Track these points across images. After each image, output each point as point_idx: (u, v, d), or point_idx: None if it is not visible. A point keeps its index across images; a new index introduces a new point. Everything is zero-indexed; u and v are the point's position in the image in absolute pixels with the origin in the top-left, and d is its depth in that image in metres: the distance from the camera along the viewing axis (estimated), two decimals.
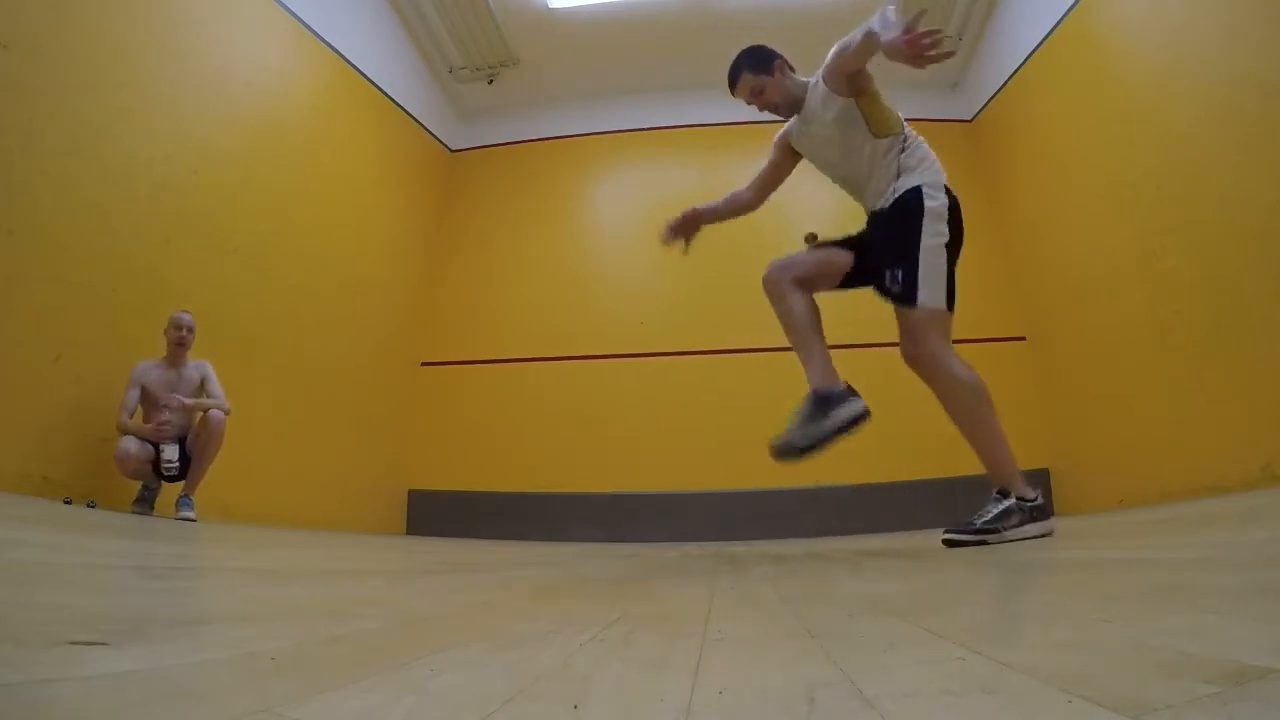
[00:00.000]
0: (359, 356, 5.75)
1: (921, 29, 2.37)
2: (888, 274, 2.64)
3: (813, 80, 2.86)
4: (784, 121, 3.04)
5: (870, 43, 2.49)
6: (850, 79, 2.68)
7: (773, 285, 2.78)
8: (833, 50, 2.69)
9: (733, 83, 2.94)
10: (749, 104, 2.97)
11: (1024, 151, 5.84)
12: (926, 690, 0.58)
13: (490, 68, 6.88)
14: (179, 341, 3.97)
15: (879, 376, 5.98)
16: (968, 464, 5.60)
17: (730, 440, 5.63)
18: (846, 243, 2.86)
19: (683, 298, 6.17)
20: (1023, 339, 5.86)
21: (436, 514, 6.05)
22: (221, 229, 4.49)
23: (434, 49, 6.67)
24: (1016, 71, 5.76)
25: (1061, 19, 5.08)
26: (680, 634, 0.93)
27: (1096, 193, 4.83)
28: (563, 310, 6.49)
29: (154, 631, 0.84)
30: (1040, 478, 5.49)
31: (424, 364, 6.54)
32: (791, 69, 2.95)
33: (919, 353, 2.71)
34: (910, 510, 5.42)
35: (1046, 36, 5.28)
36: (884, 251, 2.69)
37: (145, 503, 3.73)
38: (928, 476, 5.57)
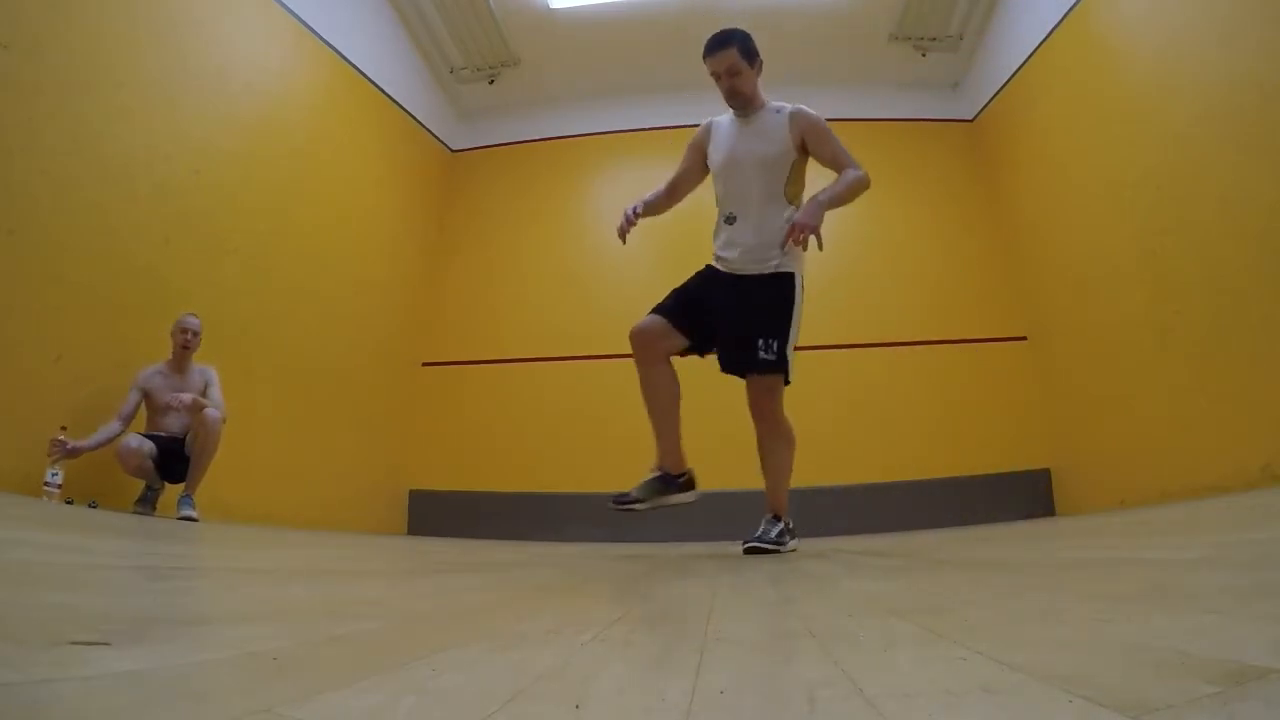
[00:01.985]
0: (360, 356, 5.75)
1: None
2: (760, 342, 2.89)
3: (779, 105, 3.07)
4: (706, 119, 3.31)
5: (862, 185, 3.04)
6: (812, 152, 3.06)
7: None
8: (827, 134, 3.07)
9: (718, 46, 3.01)
10: (715, 74, 3.05)
11: (1024, 151, 5.83)
12: (927, 689, 0.58)
13: (491, 68, 6.88)
14: (184, 345, 3.98)
15: (880, 377, 6.01)
16: (967, 464, 5.63)
17: (731, 440, 5.62)
18: (681, 307, 3.09)
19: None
20: (1023, 339, 5.86)
21: (437, 514, 6.05)
22: (222, 229, 4.49)
23: (434, 49, 6.67)
24: (1017, 72, 5.76)
25: (1062, 19, 5.08)
26: (681, 634, 0.94)
27: (1097, 193, 4.83)
28: (564, 310, 6.49)
29: (155, 631, 0.84)
30: (1041, 478, 5.50)
31: (425, 364, 6.54)
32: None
33: (770, 408, 3.02)
34: (911, 510, 5.42)
35: (1047, 37, 5.28)
36: (754, 320, 2.93)
37: (147, 503, 3.73)
38: (928, 476, 5.57)
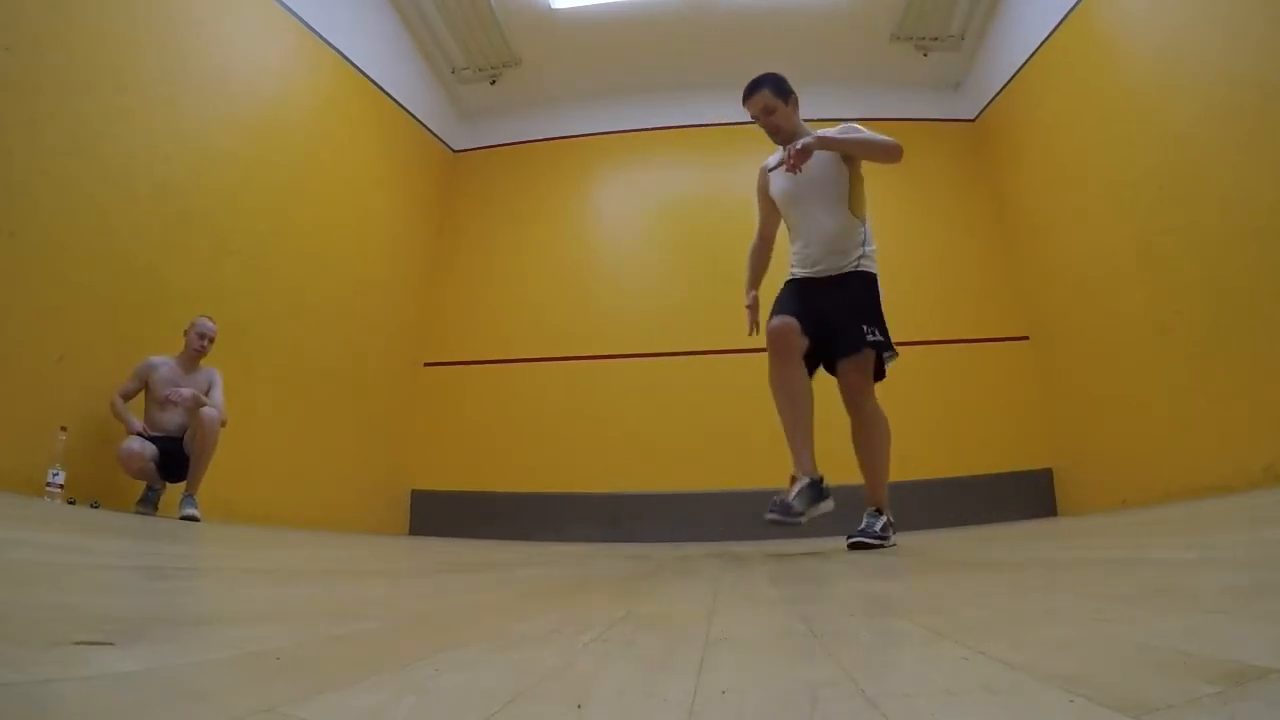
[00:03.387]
0: (361, 356, 5.76)
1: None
2: (865, 326, 3.03)
3: (820, 132, 3.09)
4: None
5: (881, 146, 3.00)
6: (852, 157, 3.11)
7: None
8: (854, 128, 3.10)
9: (752, 91, 3.20)
10: (754, 117, 3.23)
11: (1026, 151, 5.83)
12: (928, 689, 0.58)
13: (492, 68, 6.88)
14: (199, 350, 4.01)
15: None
16: (969, 464, 5.62)
17: (733, 440, 5.64)
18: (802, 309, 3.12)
19: (685, 298, 6.17)
20: (1025, 339, 5.85)
21: (439, 514, 6.05)
22: (223, 229, 4.49)
23: (436, 49, 6.67)
24: (1018, 71, 5.76)
25: (1063, 19, 5.08)
26: (683, 634, 0.94)
27: (1098, 192, 4.83)
28: (565, 310, 6.49)
29: (158, 631, 0.84)
30: (1042, 478, 5.49)
31: (426, 364, 6.54)
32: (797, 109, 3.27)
33: (866, 391, 3.10)
34: (912, 510, 5.41)
35: (1048, 36, 5.28)
36: (855, 308, 3.07)
37: (149, 503, 3.73)
38: (929, 477, 5.57)
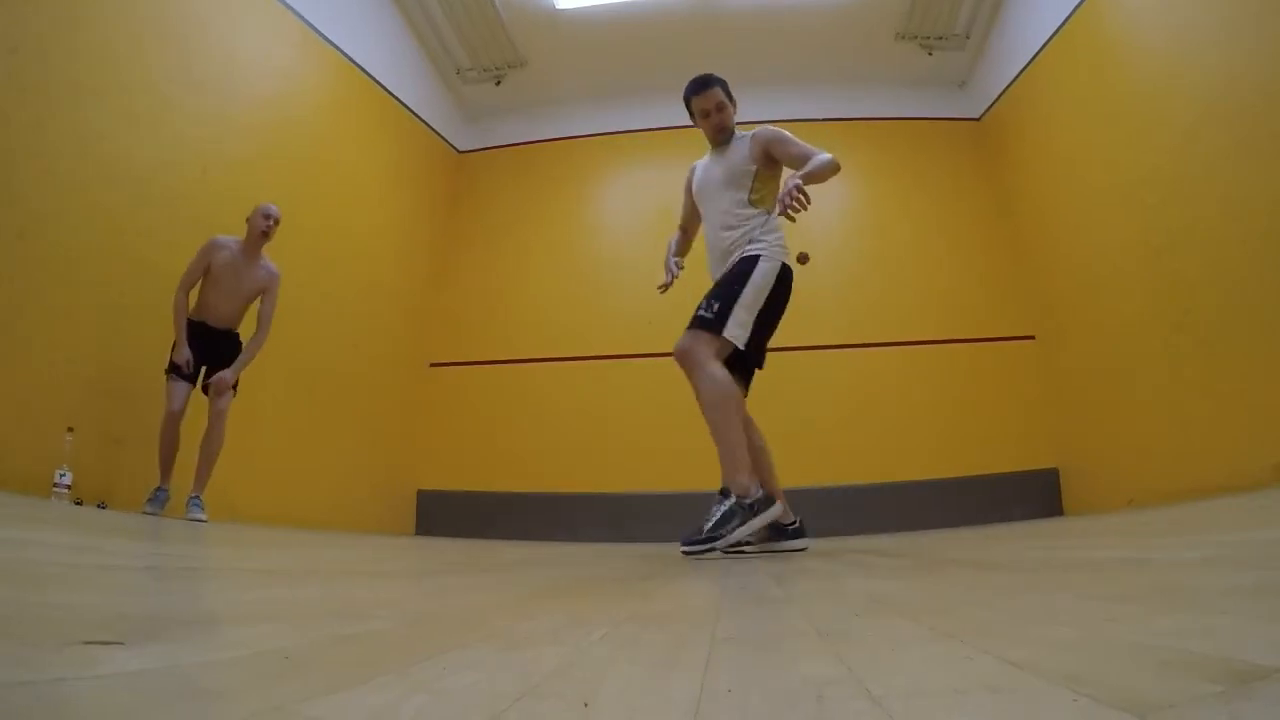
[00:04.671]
0: (367, 357, 5.77)
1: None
2: (704, 303, 3.12)
3: (745, 133, 3.34)
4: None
5: (833, 166, 3.05)
6: (779, 157, 3.24)
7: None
8: (780, 134, 3.25)
9: (707, 85, 3.41)
10: (700, 110, 3.43)
11: (1031, 150, 5.82)
12: (933, 689, 0.58)
13: (498, 69, 6.88)
14: (265, 232, 4.11)
15: (887, 376, 6.00)
16: (974, 464, 5.61)
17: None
18: None
19: (689, 298, 6.13)
20: (1031, 338, 5.84)
21: (445, 514, 6.06)
22: (230, 231, 4.49)
23: (441, 50, 6.68)
24: (1024, 70, 5.75)
25: (1068, 17, 5.06)
26: (689, 633, 0.94)
27: (1104, 191, 4.81)
28: (571, 311, 6.49)
29: (167, 631, 0.85)
30: (1048, 477, 5.48)
31: (432, 365, 6.55)
32: None
33: (691, 352, 3.11)
34: (918, 510, 5.42)
35: (1054, 35, 5.27)
36: (715, 287, 3.18)
37: (157, 503, 3.74)
38: (935, 476, 5.57)
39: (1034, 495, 5.39)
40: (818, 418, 5.64)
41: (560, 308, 6.52)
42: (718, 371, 3.02)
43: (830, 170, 3.07)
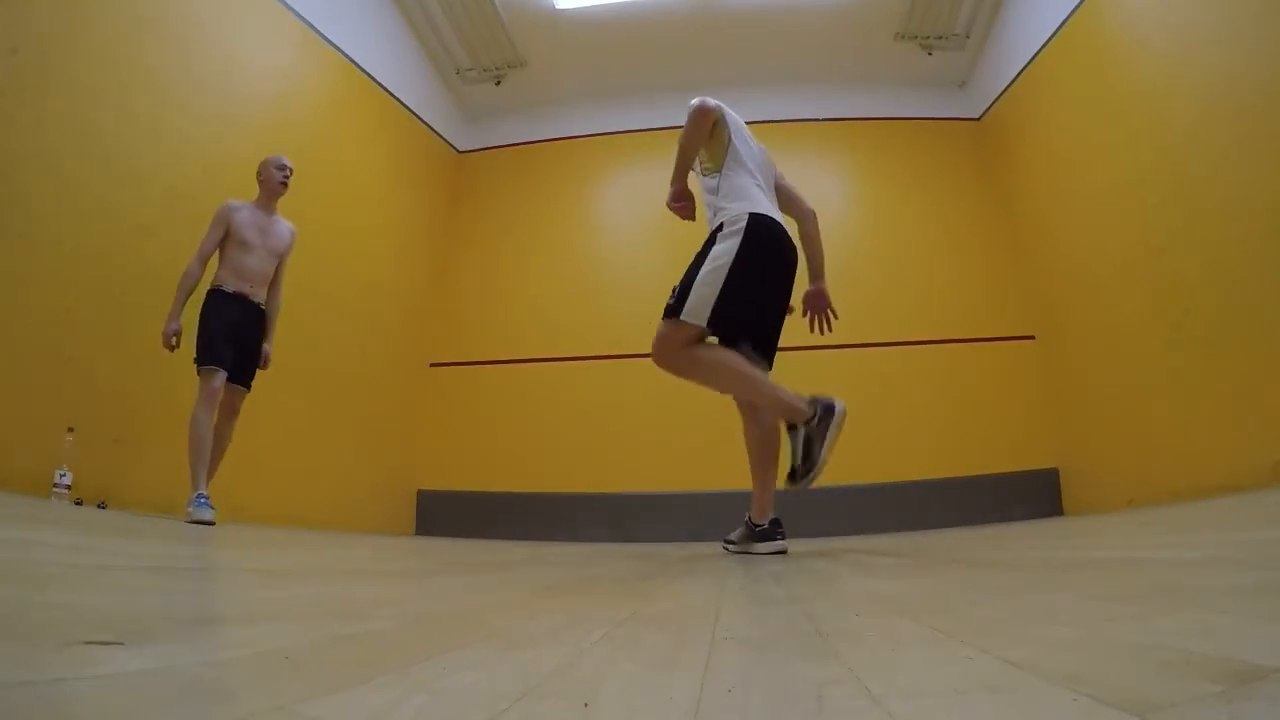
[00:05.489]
0: (367, 357, 5.77)
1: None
2: (675, 290, 2.92)
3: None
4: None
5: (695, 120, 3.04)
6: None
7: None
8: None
9: None
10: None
11: (1031, 150, 5.82)
12: (934, 688, 0.58)
13: (498, 69, 6.88)
14: (282, 184, 4.07)
15: (886, 376, 6.00)
16: (975, 464, 5.61)
17: (740, 440, 5.63)
18: None
19: None
20: (1031, 338, 5.84)
21: (446, 514, 6.06)
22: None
23: (441, 51, 6.68)
24: (1024, 70, 5.75)
25: (1068, 17, 5.06)
26: (689, 633, 0.94)
27: (1104, 190, 4.81)
28: (572, 310, 6.49)
29: (168, 631, 0.85)
30: (1049, 477, 5.48)
31: (432, 364, 6.56)
32: None
33: (661, 352, 2.95)
34: (918, 510, 5.42)
35: (1054, 35, 5.27)
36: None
37: (205, 506, 3.48)
38: (935, 476, 5.57)
39: (1034, 495, 5.39)
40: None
41: (560, 308, 6.52)
42: (692, 352, 2.86)
43: (689, 135, 3.06)
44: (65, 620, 0.85)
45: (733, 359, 2.85)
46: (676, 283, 2.93)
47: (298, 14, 5.14)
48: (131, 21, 3.98)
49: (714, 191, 3.05)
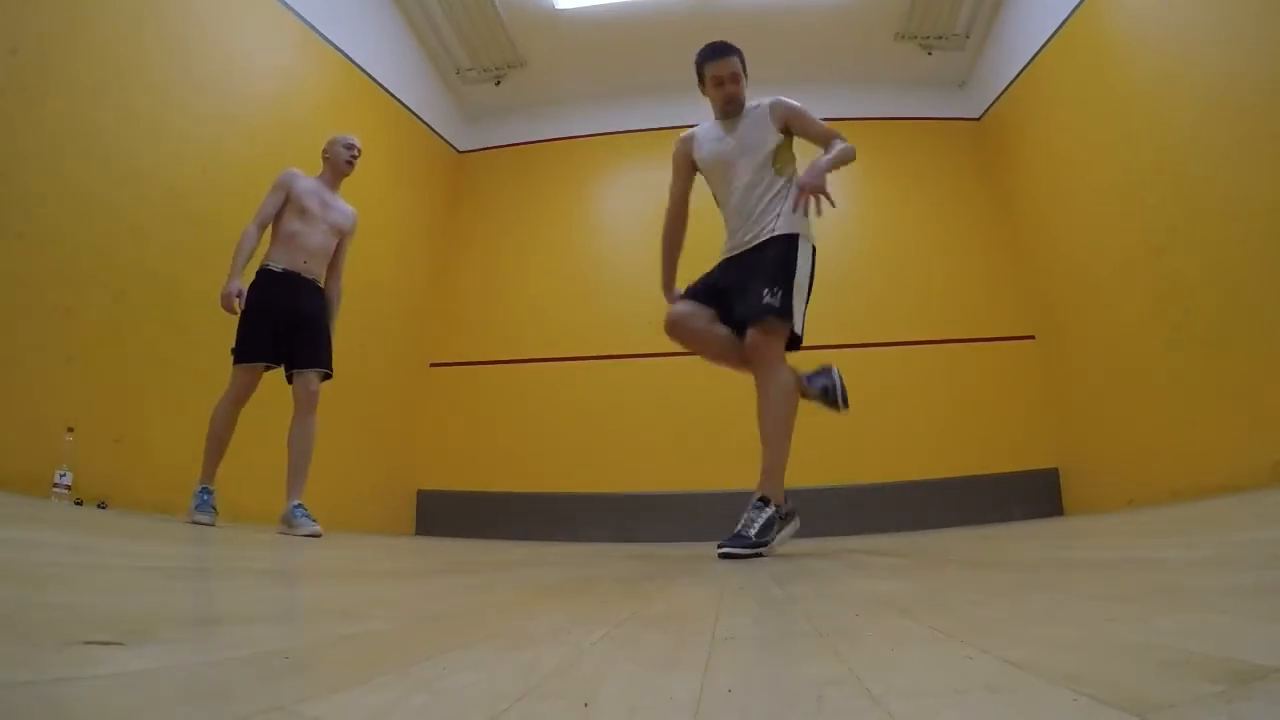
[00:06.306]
0: (368, 357, 5.76)
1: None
2: (765, 290, 2.86)
3: (756, 102, 3.20)
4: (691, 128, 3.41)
5: (852, 154, 3.09)
6: (800, 133, 3.19)
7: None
8: (807, 113, 3.20)
9: (725, 52, 3.20)
10: (714, 77, 3.18)
11: (1031, 149, 5.82)
12: (934, 688, 0.58)
13: (498, 69, 6.88)
14: (350, 162, 3.91)
15: (887, 376, 6.00)
16: (975, 464, 5.60)
17: (741, 440, 5.62)
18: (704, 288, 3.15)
19: None
20: (1031, 338, 5.84)
21: (446, 514, 6.06)
22: (231, 230, 4.49)
23: (441, 51, 6.68)
24: (1024, 70, 5.75)
25: (1068, 17, 5.06)
26: (689, 633, 0.94)
27: (1104, 190, 4.81)
28: (572, 310, 6.49)
29: (168, 631, 0.85)
30: (1049, 477, 5.48)
31: (433, 364, 6.56)
32: None
33: (767, 351, 2.93)
34: (918, 510, 5.42)
35: (1054, 35, 5.27)
36: (760, 273, 2.93)
37: (207, 508, 3.49)
38: (935, 476, 5.57)
39: (1034, 495, 5.39)
40: (818, 417, 5.63)
41: (560, 308, 6.52)
42: (788, 375, 2.95)
43: (850, 158, 3.05)
44: (65, 620, 0.85)
45: (796, 401, 2.98)
46: (760, 279, 2.90)
47: (297, 14, 5.14)
48: (131, 21, 3.98)
49: (781, 195, 3.06)
